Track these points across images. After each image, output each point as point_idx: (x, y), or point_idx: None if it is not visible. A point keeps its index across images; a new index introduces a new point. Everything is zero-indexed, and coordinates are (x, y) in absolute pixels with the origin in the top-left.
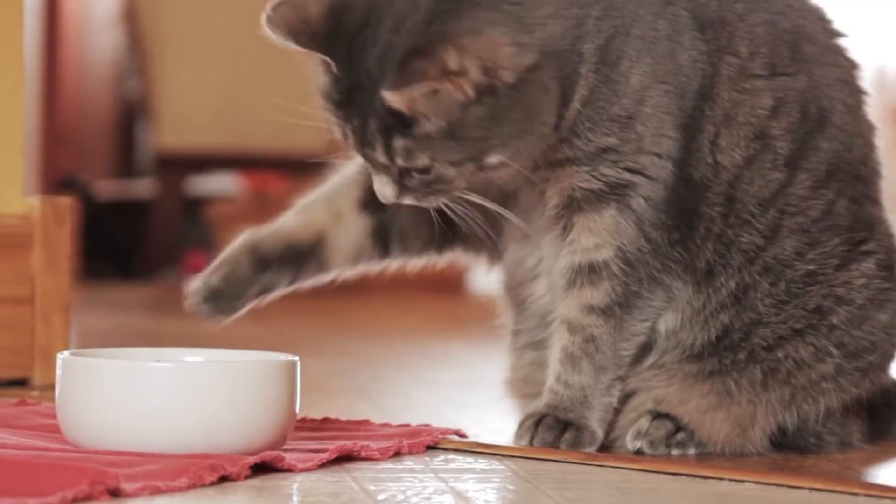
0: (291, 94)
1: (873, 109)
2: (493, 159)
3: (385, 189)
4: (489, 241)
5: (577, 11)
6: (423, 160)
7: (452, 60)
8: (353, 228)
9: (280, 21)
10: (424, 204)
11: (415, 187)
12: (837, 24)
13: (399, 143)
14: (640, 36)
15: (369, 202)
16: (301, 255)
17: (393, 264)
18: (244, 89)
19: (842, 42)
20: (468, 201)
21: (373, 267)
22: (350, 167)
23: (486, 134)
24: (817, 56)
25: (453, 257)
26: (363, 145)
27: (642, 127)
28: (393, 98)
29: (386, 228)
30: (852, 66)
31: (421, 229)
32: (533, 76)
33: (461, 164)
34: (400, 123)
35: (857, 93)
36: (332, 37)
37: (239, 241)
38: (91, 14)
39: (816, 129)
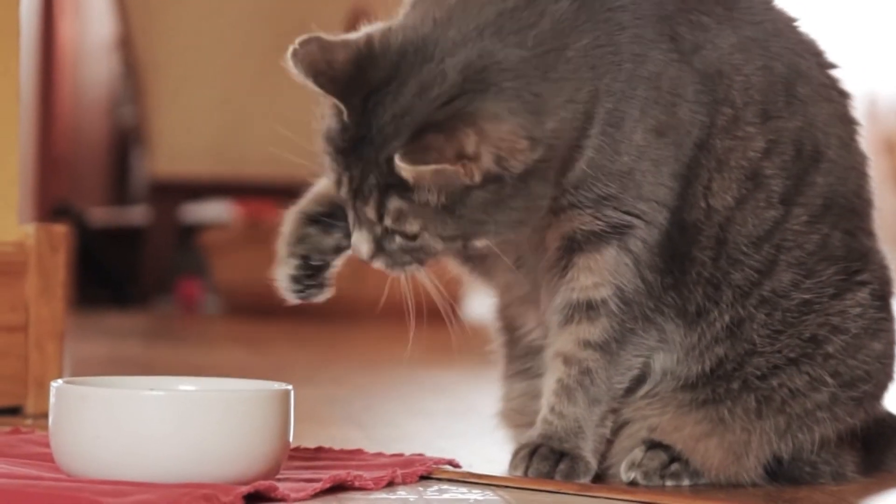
0: (285, 123)
1: (865, 140)
2: (480, 243)
3: (362, 245)
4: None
5: (590, 87)
6: (412, 227)
7: (470, 145)
8: None
9: (305, 58)
10: (392, 271)
11: (392, 251)
12: (830, 56)
13: (394, 203)
14: (643, 96)
15: None
16: None
17: None
18: (238, 118)
19: (835, 74)
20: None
21: None
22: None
23: (484, 218)
24: (811, 95)
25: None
26: (356, 197)
27: (641, 177)
28: (405, 168)
29: None
30: (845, 98)
31: None
32: (538, 167)
33: (451, 241)
34: (401, 186)
35: (850, 125)
36: (352, 85)
37: (291, 221)
38: (87, 41)
39: (811, 165)
